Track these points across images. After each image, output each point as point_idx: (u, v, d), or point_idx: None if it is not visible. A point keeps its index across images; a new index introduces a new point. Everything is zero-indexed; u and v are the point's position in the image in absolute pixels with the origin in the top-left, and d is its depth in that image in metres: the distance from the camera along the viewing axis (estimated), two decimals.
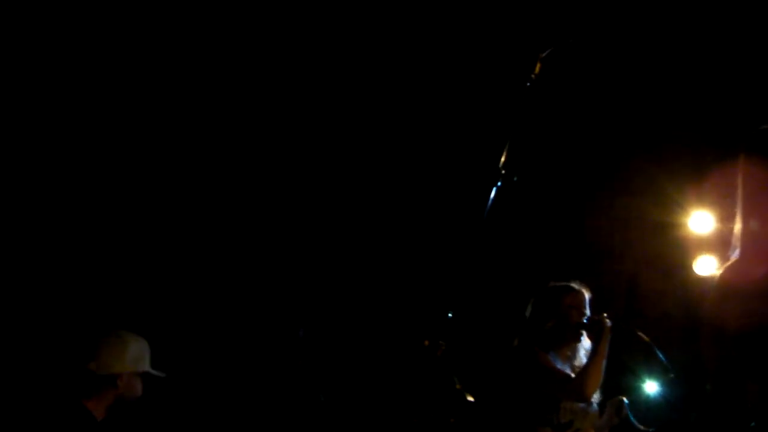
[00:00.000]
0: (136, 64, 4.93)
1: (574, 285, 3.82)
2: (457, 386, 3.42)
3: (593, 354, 3.61)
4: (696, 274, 5.45)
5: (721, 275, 2.30)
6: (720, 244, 5.30)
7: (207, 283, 5.16)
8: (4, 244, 4.66)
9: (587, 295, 3.80)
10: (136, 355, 3.25)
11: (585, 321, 3.71)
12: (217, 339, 5.07)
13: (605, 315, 3.69)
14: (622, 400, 3.70)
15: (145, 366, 3.29)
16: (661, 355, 3.74)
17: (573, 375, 3.63)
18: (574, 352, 3.75)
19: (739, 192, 2.31)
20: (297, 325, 4.78)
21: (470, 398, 3.43)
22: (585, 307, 3.77)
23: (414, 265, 5.48)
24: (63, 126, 4.91)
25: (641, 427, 3.70)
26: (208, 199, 5.25)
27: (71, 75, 4.83)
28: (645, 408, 4.14)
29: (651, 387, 4.91)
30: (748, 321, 2.10)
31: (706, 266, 5.43)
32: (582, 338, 3.75)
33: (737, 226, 2.30)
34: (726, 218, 5.25)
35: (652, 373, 4.76)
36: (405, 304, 5.37)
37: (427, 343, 3.27)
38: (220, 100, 5.16)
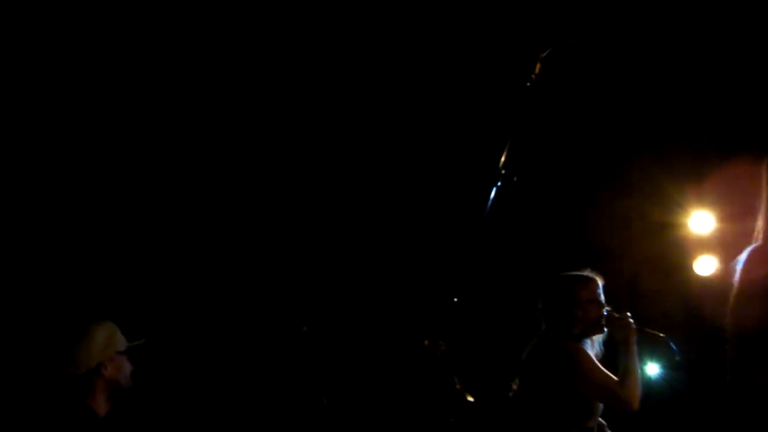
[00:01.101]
0: (136, 64, 4.93)
1: (586, 274, 3.71)
2: (457, 386, 3.42)
3: (627, 360, 3.50)
4: (696, 274, 5.46)
5: (745, 275, 2.28)
6: (720, 244, 5.31)
7: (210, 281, 5.17)
8: None
9: (600, 282, 3.72)
10: (105, 341, 3.25)
11: (605, 313, 3.63)
12: (221, 336, 5.08)
13: (629, 315, 3.61)
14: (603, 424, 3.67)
15: (121, 345, 3.29)
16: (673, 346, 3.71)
17: (614, 377, 3.52)
18: (594, 340, 3.70)
19: (765, 191, 2.29)
20: (300, 322, 4.79)
21: (470, 398, 3.42)
22: (601, 296, 3.67)
23: (415, 265, 5.49)
24: (62, 126, 4.91)
25: None
26: (211, 198, 5.25)
27: (71, 75, 4.82)
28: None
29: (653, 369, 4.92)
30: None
31: (706, 266, 5.45)
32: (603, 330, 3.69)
33: (760, 223, 2.27)
34: (726, 218, 5.28)
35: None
36: (405, 303, 5.37)
37: (427, 343, 3.27)
38: (220, 100, 5.16)
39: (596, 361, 3.56)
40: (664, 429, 5.30)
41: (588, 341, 3.65)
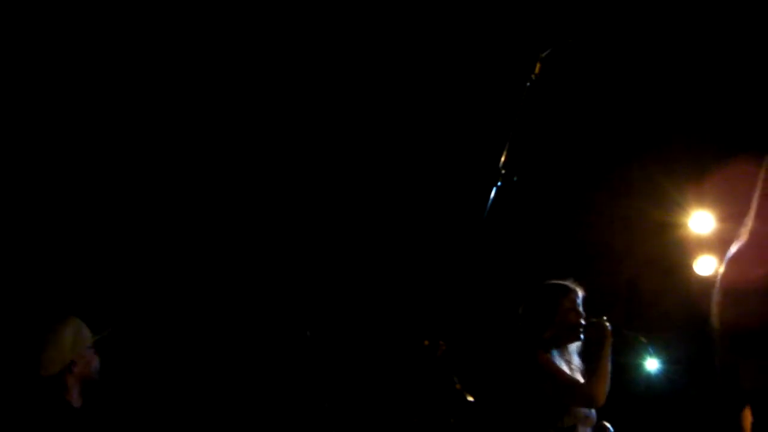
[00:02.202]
0: (136, 64, 4.93)
1: (569, 284, 3.77)
2: (457, 386, 3.42)
3: (598, 359, 3.56)
4: (696, 274, 5.47)
5: (725, 275, 2.27)
6: (720, 244, 5.32)
7: (214, 285, 5.17)
8: None
9: (581, 294, 3.78)
10: (72, 339, 3.25)
11: (583, 322, 3.69)
12: (225, 339, 5.08)
13: (605, 318, 3.67)
14: (606, 427, 3.68)
15: (88, 340, 3.29)
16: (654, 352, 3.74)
17: (577, 377, 3.60)
18: (570, 351, 3.73)
19: (759, 190, 2.28)
20: (303, 326, 4.79)
21: (470, 398, 3.43)
22: (580, 306, 3.73)
23: (415, 266, 5.49)
24: (61, 125, 4.91)
25: None
26: (214, 201, 5.25)
27: (71, 75, 4.82)
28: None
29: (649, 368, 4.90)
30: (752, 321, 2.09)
31: (706, 266, 5.45)
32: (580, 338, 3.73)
33: (751, 224, 2.26)
34: (726, 218, 5.29)
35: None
36: (405, 304, 5.37)
37: (427, 343, 3.27)
38: (221, 101, 5.16)
39: (559, 365, 3.59)
40: (664, 427, 5.30)
41: (559, 350, 3.68)
